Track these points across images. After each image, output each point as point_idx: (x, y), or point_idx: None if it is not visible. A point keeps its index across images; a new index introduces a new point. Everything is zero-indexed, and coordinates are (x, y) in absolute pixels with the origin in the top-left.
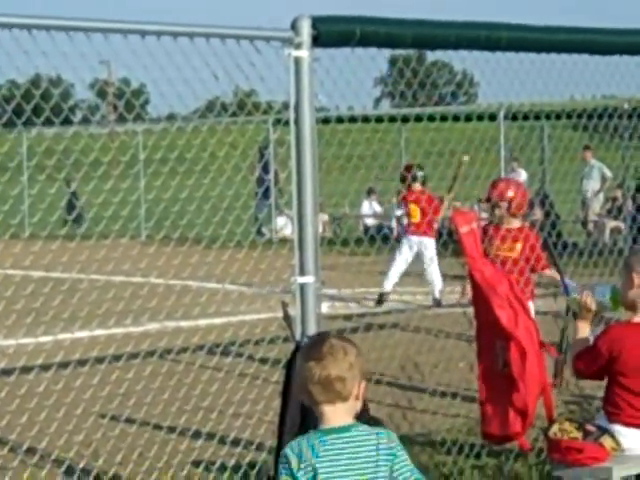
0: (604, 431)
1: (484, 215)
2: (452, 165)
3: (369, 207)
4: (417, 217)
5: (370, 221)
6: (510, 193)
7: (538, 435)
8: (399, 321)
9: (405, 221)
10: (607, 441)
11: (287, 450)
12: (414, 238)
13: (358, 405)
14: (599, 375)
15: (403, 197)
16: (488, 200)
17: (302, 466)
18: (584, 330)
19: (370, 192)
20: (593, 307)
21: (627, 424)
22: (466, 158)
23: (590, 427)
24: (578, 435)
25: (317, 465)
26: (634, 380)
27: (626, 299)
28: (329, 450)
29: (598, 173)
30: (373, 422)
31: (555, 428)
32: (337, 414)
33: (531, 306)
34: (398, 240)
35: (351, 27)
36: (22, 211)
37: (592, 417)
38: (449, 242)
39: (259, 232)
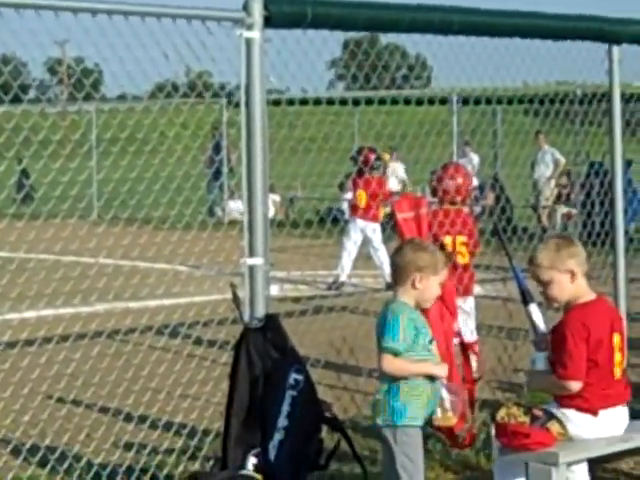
0: (551, 416)
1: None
2: (403, 148)
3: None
4: (363, 202)
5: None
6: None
7: (486, 419)
8: (348, 304)
9: (349, 205)
10: (554, 426)
11: None
12: (360, 222)
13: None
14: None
15: (353, 180)
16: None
17: None
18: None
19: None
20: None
21: (581, 409)
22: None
23: (537, 412)
24: (526, 419)
25: None
26: (597, 354)
27: (561, 299)
28: None
29: (551, 158)
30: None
31: (503, 412)
32: None
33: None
34: (347, 223)
35: (303, 8)
36: None
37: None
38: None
39: (211, 213)
